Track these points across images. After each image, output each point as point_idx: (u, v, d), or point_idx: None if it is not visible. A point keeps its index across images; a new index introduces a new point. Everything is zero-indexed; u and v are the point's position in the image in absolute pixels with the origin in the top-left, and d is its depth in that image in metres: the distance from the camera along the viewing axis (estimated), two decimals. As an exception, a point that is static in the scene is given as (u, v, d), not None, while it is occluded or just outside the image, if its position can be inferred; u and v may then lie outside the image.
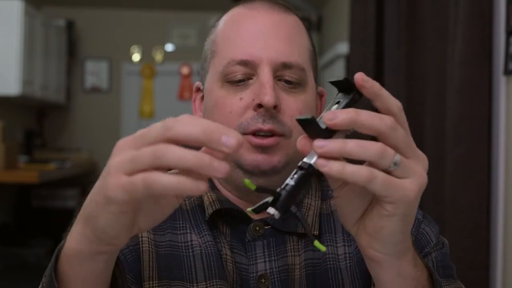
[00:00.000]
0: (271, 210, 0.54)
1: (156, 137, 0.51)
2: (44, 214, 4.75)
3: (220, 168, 0.50)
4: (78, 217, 0.60)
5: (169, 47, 5.83)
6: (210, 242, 0.81)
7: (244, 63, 0.80)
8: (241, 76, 0.80)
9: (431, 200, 1.97)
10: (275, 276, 0.80)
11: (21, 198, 4.85)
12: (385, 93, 0.55)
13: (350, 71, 2.82)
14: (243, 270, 0.81)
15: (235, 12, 0.85)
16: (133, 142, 0.53)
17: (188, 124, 0.51)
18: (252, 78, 0.80)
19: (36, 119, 5.53)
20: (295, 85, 0.81)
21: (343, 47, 3.73)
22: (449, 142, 1.81)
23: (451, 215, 1.77)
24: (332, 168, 0.52)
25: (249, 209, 0.56)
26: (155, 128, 0.52)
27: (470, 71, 1.72)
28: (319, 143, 0.52)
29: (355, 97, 0.56)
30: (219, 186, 0.87)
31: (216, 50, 0.84)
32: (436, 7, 2.02)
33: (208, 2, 5.27)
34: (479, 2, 1.71)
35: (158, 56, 5.81)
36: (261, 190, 0.55)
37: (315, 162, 0.54)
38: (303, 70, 0.82)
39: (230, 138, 0.50)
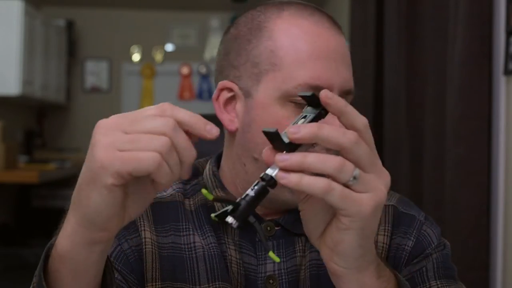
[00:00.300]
0: (229, 219, 0.57)
1: (161, 129, 0.54)
2: (44, 214, 4.74)
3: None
4: (68, 212, 0.60)
5: (169, 47, 5.83)
6: (213, 244, 0.81)
7: (316, 88, 0.75)
8: None
9: (431, 200, 1.97)
10: (283, 277, 0.80)
11: (21, 198, 4.85)
12: (350, 110, 0.57)
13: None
14: (251, 270, 0.81)
15: (299, 24, 0.79)
16: (123, 125, 0.55)
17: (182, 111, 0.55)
18: None
19: (36, 119, 5.53)
20: None
21: (343, 47, 3.72)
22: (449, 142, 1.81)
23: (451, 215, 1.77)
24: (290, 180, 0.54)
25: (213, 215, 0.59)
26: (157, 122, 0.55)
27: (470, 71, 1.72)
28: (281, 157, 0.55)
29: (321, 113, 0.59)
30: (228, 186, 0.86)
31: (277, 64, 0.78)
32: (436, 7, 2.02)
33: (208, 2, 5.28)
34: (479, 2, 1.71)
35: (158, 56, 5.81)
36: (219, 200, 0.58)
37: (276, 175, 0.56)
38: (353, 94, 0.82)
39: (213, 127, 0.55)
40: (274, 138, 0.57)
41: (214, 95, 0.84)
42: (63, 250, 0.60)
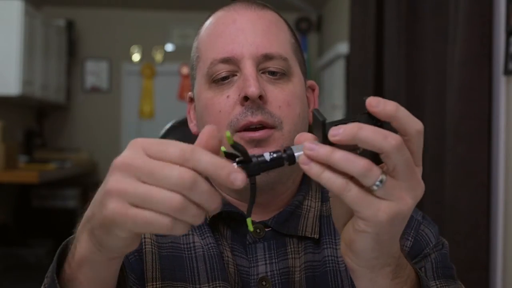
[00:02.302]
0: (235, 165, 0.56)
1: (178, 187, 0.51)
2: (44, 214, 4.75)
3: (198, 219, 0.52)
4: (83, 224, 0.60)
5: (169, 47, 5.83)
6: (212, 244, 0.81)
7: (226, 60, 0.81)
8: (225, 73, 0.81)
9: (431, 200, 1.97)
10: (276, 278, 0.80)
11: (21, 198, 4.84)
12: (401, 115, 0.55)
13: (350, 71, 2.82)
14: (244, 272, 0.81)
15: (215, 17, 0.87)
16: (139, 172, 0.52)
17: (205, 154, 0.52)
18: (236, 75, 0.81)
19: (36, 119, 5.53)
20: (280, 76, 0.82)
21: (343, 47, 3.73)
22: (449, 142, 1.81)
23: (451, 216, 1.77)
24: (312, 170, 0.54)
25: (223, 148, 0.56)
26: (175, 146, 0.52)
27: (470, 71, 1.72)
28: (310, 145, 0.54)
29: (378, 125, 0.55)
30: (218, 189, 0.86)
31: (199, 56, 0.86)
32: (436, 7, 2.02)
33: (208, 2, 5.27)
34: (479, 2, 1.71)
35: (158, 56, 5.81)
36: (236, 148, 0.56)
37: (299, 156, 0.55)
38: (286, 60, 0.82)
39: (238, 176, 0.52)
40: (316, 124, 0.56)
41: (187, 109, 0.93)
42: (82, 261, 0.61)
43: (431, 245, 0.84)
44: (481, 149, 1.73)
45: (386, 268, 0.62)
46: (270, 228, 0.82)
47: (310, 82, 0.90)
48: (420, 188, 0.57)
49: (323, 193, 0.89)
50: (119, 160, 0.53)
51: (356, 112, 0.65)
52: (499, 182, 1.74)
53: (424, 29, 2.13)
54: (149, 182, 0.51)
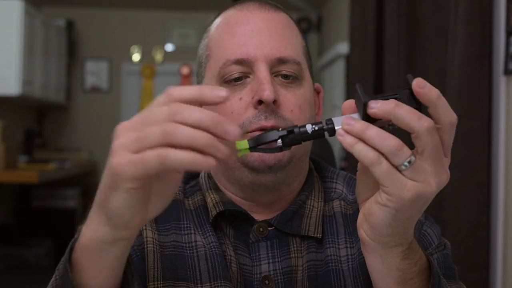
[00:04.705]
0: (278, 141, 0.61)
1: (163, 120, 0.53)
2: (44, 214, 4.75)
3: (222, 149, 0.53)
4: (92, 208, 0.60)
5: (169, 47, 5.83)
6: (214, 243, 0.81)
7: (240, 62, 0.80)
8: (238, 74, 0.80)
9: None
10: (279, 277, 0.80)
11: (21, 198, 4.84)
12: (441, 103, 0.58)
13: (350, 71, 2.82)
14: (247, 271, 0.81)
15: (226, 15, 0.86)
16: (135, 125, 0.55)
17: (196, 111, 0.53)
18: (249, 77, 0.81)
19: (36, 119, 5.53)
20: (292, 80, 0.82)
21: (343, 47, 3.73)
22: (449, 142, 1.81)
23: (451, 215, 1.77)
24: (346, 140, 0.58)
25: (245, 144, 0.61)
26: (160, 112, 0.54)
27: (470, 71, 1.72)
28: (347, 120, 0.59)
29: (413, 104, 0.58)
30: (222, 188, 0.86)
31: (210, 54, 0.85)
32: (436, 7, 2.02)
33: (208, 2, 5.27)
34: (479, 2, 1.71)
35: (158, 56, 5.81)
36: (258, 143, 0.60)
37: (338, 129, 0.60)
38: (299, 64, 0.82)
39: (235, 127, 0.54)
40: (358, 100, 0.60)
41: None
42: (86, 245, 0.61)
43: (434, 245, 0.84)
44: (481, 149, 1.73)
45: (398, 248, 0.64)
46: (273, 227, 0.83)
47: (316, 85, 0.91)
48: (445, 176, 0.60)
49: (326, 194, 0.89)
50: (121, 123, 0.56)
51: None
52: (499, 182, 1.74)
53: (424, 29, 2.13)
54: (144, 126, 0.54)
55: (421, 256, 0.68)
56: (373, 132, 0.57)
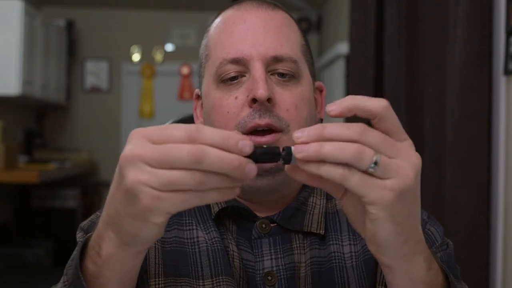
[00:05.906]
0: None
1: (190, 164, 0.52)
2: (44, 214, 4.74)
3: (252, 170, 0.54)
4: (105, 224, 0.60)
5: (169, 47, 5.82)
6: (216, 239, 0.81)
7: (235, 61, 0.81)
8: (234, 73, 0.81)
9: (431, 200, 1.97)
10: (282, 273, 0.81)
11: (21, 198, 4.84)
12: (359, 102, 0.56)
13: (350, 71, 2.82)
14: (250, 267, 0.81)
15: (225, 15, 0.87)
16: (153, 136, 0.54)
17: (211, 129, 0.53)
18: (245, 76, 0.81)
19: (36, 119, 5.53)
20: (289, 78, 0.81)
21: (343, 47, 3.72)
22: (449, 142, 1.81)
23: (451, 215, 1.77)
24: (309, 168, 0.55)
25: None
26: (185, 152, 0.52)
27: (470, 71, 1.72)
28: (298, 148, 0.55)
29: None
30: None
31: (209, 54, 0.86)
32: (436, 7, 2.02)
33: (208, 2, 5.27)
34: (479, 2, 1.71)
35: (158, 56, 5.81)
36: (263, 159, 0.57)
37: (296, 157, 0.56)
38: (296, 62, 0.82)
39: (247, 143, 0.54)
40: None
41: (193, 106, 0.92)
42: (110, 259, 0.61)
43: (437, 245, 0.84)
44: (481, 149, 1.72)
45: (419, 257, 0.62)
46: (275, 224, 0.83)
47: (318, 83, 0.91)
48: (416, 159, 0.57)
49: None
50: (126, 153, 0.54)
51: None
52: (499, 182, 1.74)
53: (424, 29, 2.13)
54: (163, 167, 0.52)
55: (437, 267, 0.66)
56: (329, 146, 0.54)
